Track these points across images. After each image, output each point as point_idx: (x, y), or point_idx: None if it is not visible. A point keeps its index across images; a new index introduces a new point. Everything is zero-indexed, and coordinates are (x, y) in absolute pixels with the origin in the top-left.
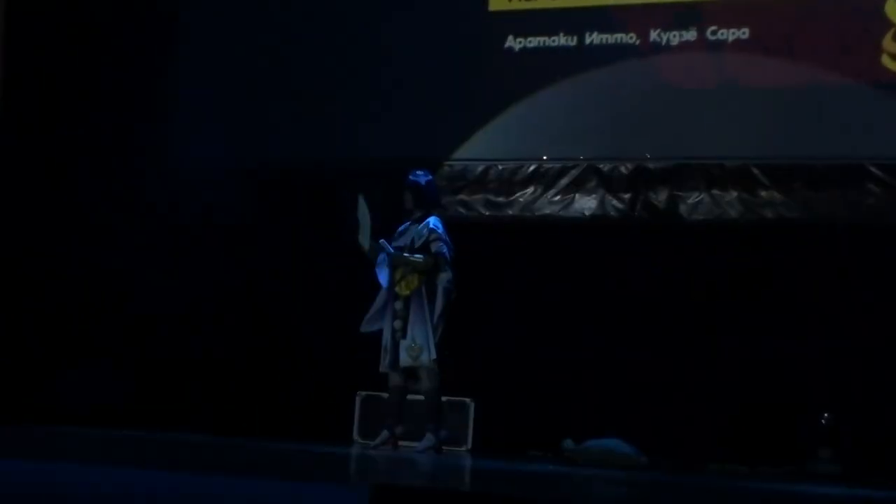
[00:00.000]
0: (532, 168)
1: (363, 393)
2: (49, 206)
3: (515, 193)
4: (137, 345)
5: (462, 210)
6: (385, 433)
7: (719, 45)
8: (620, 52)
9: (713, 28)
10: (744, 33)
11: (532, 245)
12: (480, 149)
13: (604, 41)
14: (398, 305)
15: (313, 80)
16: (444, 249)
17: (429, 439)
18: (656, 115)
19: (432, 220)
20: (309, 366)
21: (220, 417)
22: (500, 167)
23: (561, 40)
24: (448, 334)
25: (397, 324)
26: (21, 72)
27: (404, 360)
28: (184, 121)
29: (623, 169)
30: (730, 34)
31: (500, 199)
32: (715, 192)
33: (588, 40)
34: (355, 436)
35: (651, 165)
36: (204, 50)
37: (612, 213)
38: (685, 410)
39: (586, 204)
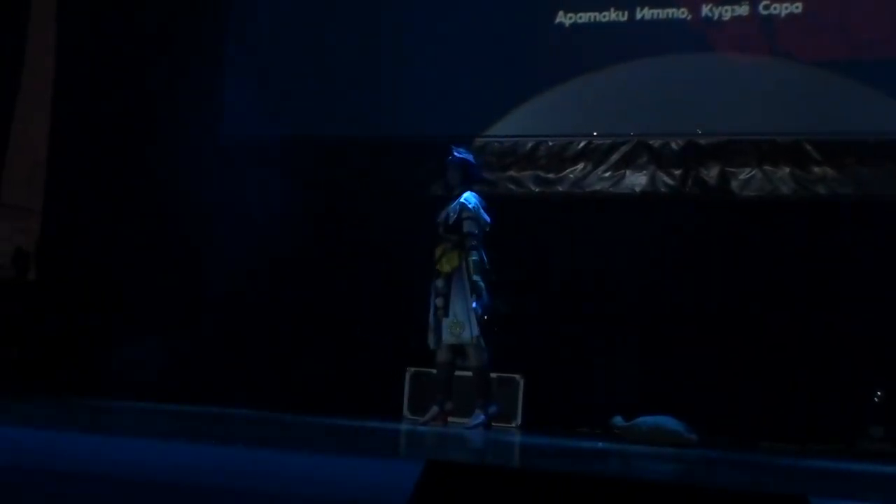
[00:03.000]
0: (582, 144)
1: (412, 369)
2: (99, 184)
3: (566, 170)
4: (193, 320)
5: (512, 186)
6: (434, 409)
7: (772, 20)
8: (672, 27)
9: (766, 2)
10: (797, 7)
11: (582, 222)
12: (531, 125)
13: (655, 16)
14: (440, 283)
15: (362, 57)
16: (474, 229)
17: (478, 416)
18: (708, 90)
19: (465, 196)
20: (360, 342)
21: (273, 393)
22: (550, 143)
23: (612, 16)
24: (498, 311)
25: (439, 301)
26: (73, 44)
27: (447, 337)
28: (231, 98)
29: (674, 145)
30: (782, 8)
31: (550, 175)
32: (767, 167)
33: (639, 15)
34: (405, 412)
35: (702, 141)
36: (252, 24)
37: (663, 189)
38: (736, 387)
39: (637, 180)
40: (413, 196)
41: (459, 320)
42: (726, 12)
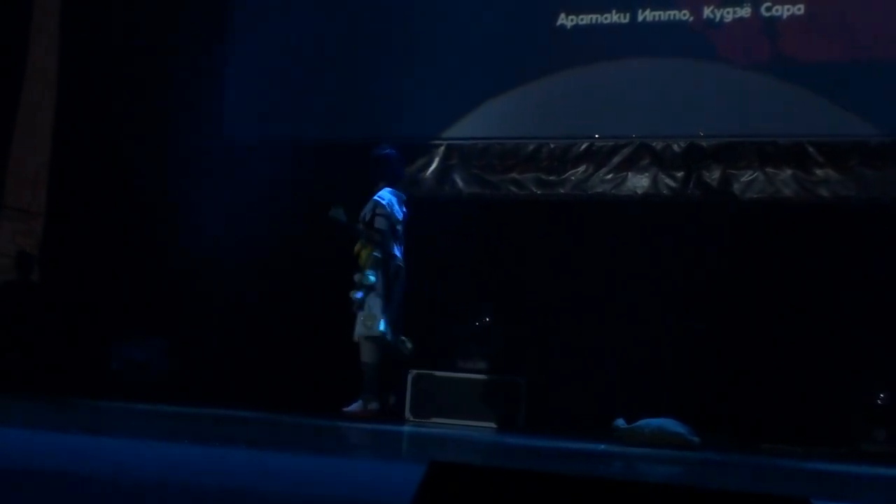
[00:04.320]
0: (584, 146)
1: (414, 371)
2: (101, 185)
3: (567, 172)
4: (195, 323)
5: (514, 189)
6: (358, 402)
7: (774, 22)
8: (673, 29)
9: (767, 4)
10: (799, 9)
11: (584, 224)
12: (532, 127)
13: (657, 18)
14: (357, 277)
15: (363, 57)
16: (382, 226)
17: (357, 402)
18: (709, 92)
19: (380, 193)
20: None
21: (275, 395)
22: (551, 145)
23: (613, 18)
24: (499, 313)
25: (358, 296)
26: (75, 46)
27: (360, 330)
28: (234, 98)
29: (676, 147)
30: (784, 10)
31: (552, 177)
32: (769, 169)
33: (641, 17)
34: (407, 413)
35: (704, 143)
36: (255, 25)
37: (665, 191)
38: (738, 389)
39: (639, 182)
40: (410, 197)
41: (373, 313)
42: (728, 14)
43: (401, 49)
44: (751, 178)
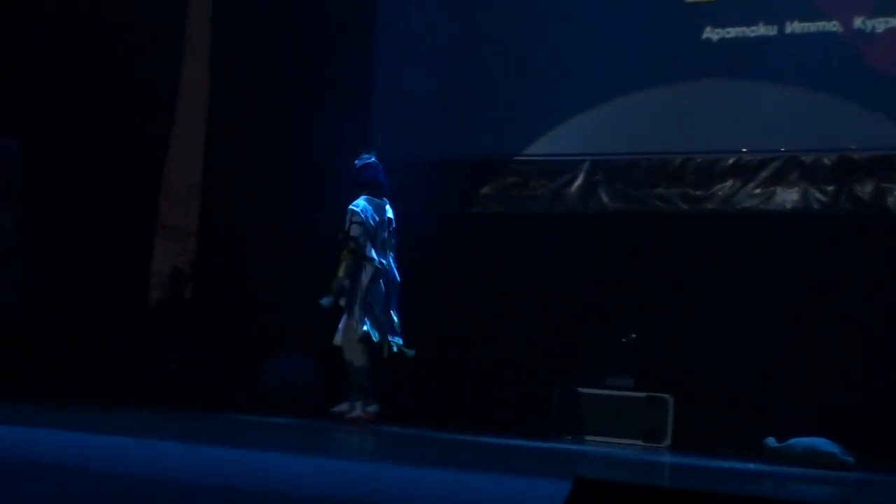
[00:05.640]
0: (731, 161)
1: (560, 388)
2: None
3: (714, 187)
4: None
5: (659, 204)
6: (358, 409)
7: None
8: (822, 40)
9: None
10: None
11: (731, 239)
12: (678, 142)
13: (805, 30)
14: (346, 283)
15: (504, 76)
16: (356, 233)
17: (343, 406)
18: (861, 104)
19: (355, 202)
20: (508, 361)
21: (423, 412)
22: (698, 160)
23: (760, 30)
24: (646, 329)
25: (342, 301)
26: (226, 70)
27: (337, 338)
28: (380, 117)
29: (826, 160)
30: None
31: (699, 192)
32: None
33: (789, 29)
34: (553, 430)
35: (856, 156)
36: (400, 42)
37: (815, 205)
38: (891, 409)
39: (788, 197)
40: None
41: (354, 317)
42: (880, 24)
43: (544, 66)
44: None
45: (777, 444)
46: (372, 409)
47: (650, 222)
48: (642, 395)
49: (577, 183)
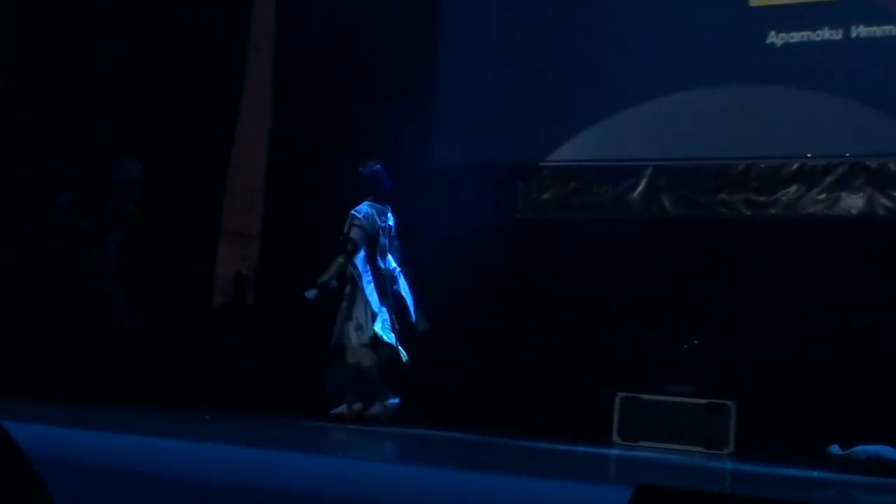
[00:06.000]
0: (795, 166)
1: (623, 394)
2: (314, 207)
3: (778, 192)
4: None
5: (722, 209)
6: (343, 406)
7: None
8: (888, 44)
9: None
10: None
11: (795, 245)
12: (742, 146)
13: (871, 34)
14: (348, 289)
15: (567, 80)
16: (354, 235)
17: (341, 408)
18: None
19: (357, 207)
20: (569, 366)
21: (484, 417)
22: (762, 165)
23: (826, 34)
24: (708, 335)
25: (344, 304)
26: (289, 72)
27: (352, 337)
28: (441, 120)
29: (892, 166)
30: None
31: (762, 198)
32: None
33: (854, 33)
34: (615, 437)
35: None
36: (463, 44)
37: (881, 211)
38: None
39: (853, 202)
40: (617, 220)
41: (360, 321)
42: None
43: (605, 69)
44: None
45: (841, 452)
46: (377, 408)
47: (712, 228)
48: (704, 401)
49: (640, 188)
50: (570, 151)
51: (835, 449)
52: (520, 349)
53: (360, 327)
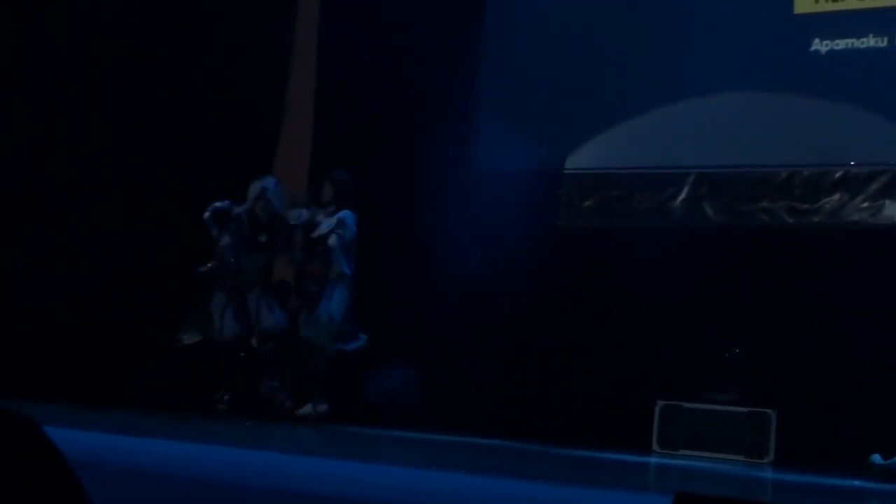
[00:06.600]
0: (839, 174)
1: (662, 402)
2: (359, 217)
3: (821, 200)
4: (437, 347)
5: (765, 217)
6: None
7: None
8: None
9: None
10: None
11: (838, 253)
12: (784, 154)
13: None
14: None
15: (609, 87)
16: (334, 242)
17: (307, 408)
18: None
19: (342, 213)
20: (609, 374)
21: (523, 424)
22: (805, 173)
23: (870, 42)
24: (749, 343)
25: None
26: (332, 79)
27: (310, 332)
28: (486, 126)
29: None
30: None
31: (805, 205)
32: None
33: None
34: (654, 445)
35: None
36: (507, 50)
37: None
38: None
39: None
40: (659, 227)
41: (325, 319)
42: None
43: (647, 77)
44: None
45: (883, 462)
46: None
47: (755, 236)
48: (745, 409)
49: (682, 196)
50: (612, 159)
51: (876, 458)
52: (560, 357)
53: (327, 323)
